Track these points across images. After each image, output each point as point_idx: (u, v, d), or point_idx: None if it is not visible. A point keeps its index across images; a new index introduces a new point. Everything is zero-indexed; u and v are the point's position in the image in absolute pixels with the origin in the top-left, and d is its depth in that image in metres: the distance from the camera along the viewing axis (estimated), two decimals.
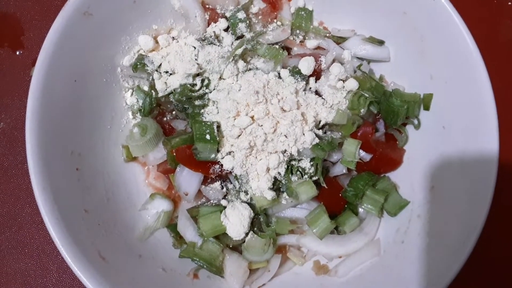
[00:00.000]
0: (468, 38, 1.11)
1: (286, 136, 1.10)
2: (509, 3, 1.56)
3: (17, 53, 1.43)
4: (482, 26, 1.47)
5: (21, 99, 1.36)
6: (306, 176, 1.14)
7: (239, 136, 1.10)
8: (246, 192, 1.14)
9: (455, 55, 1.13)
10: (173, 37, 1.25)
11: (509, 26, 1.55)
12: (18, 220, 1.31)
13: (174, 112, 1.23)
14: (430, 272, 1.05)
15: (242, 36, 1.25)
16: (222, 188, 1.19)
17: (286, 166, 1.14)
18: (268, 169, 1.11)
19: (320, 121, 1.16)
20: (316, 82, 1.20)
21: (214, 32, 1.24)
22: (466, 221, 1.05)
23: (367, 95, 1.17)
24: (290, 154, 1.13)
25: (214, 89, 1.16)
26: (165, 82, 1.19)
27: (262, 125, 1.09)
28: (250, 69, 1.19)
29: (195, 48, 1.19)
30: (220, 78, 1.17)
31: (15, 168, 1.34)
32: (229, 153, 1.11)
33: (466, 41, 1.11)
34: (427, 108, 1.20)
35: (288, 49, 1.30)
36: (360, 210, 1.21)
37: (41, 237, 1.29)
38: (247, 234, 1.13)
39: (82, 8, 1.08)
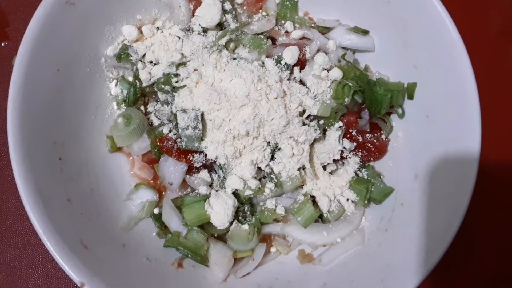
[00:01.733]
0: (451, 27, 1.11)
1: (270, 125, 1.10)
2: None
3: (2, 44, 1.42)
4: (469, 17, 1.47)
5: (6, 90, 1.33)
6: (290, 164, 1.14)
7: (222, 125, 1.09)
8: None
9: (438, 44, 1.14)
10: (158, 27, 1.25)
11: (495, 17, 1.56)
12: (3, 211, 1.30)
13: (158, 102, 1.22)
14: (413, 260, 1.05)
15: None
16: (208, 176, 1.19)
17: (270, 155, 1.14)
18: (251, 159, 1.11)
19: (304, 111, 1.17)
20: (300, 71, 1.20)
21: (199, 23, 1.24)
22: (448, 209, 1.06)
23: (351, 84, 1.17)
24: (275, 143, 1.13)
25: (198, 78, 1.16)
26: (149, 72, 1.18)
27: (246, 114, 1.09)
28: (234, 59, 1.19)
29: (179, 38, 1.19)
30: (204, 67, 1.17)
31: (0, 159, 1.33)
32: (213, 142, 1.11)
33: (449, 30, 1.11)
34: (411, 97, 1.21)
35: (273, 39, 1.30)
36: (344, 199, 1.21)
37: (26, 228, 1.29)
38: (231, 223, 1.13)
39: None
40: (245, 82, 1.10)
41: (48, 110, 1.07)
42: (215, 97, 1.09)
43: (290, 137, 1.13)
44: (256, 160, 1.12)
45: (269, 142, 1.12)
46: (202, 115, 1.11)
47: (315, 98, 1.17)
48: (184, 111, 1.11)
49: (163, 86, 1.15)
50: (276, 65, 1.17)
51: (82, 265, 0.96)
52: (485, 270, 1.34)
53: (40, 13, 1.05)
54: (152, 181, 1.24)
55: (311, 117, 1.18)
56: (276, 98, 1.10)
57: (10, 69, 1.35)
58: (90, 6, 1.13)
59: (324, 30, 1.32)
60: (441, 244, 1.02)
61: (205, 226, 1.14)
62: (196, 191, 1.16)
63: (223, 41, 1.17)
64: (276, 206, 1.17)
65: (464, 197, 1.04)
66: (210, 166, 1.18)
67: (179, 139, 1.11)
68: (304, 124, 1.15)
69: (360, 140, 1.21)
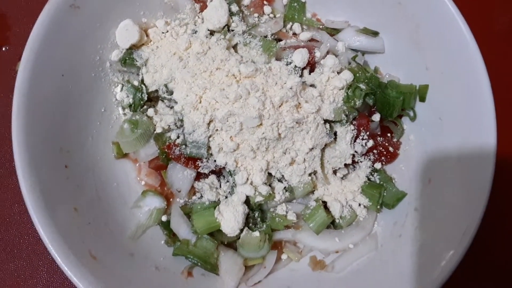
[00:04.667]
0: (464, 28, 1.09)
1: (281, 130, 1.07)
2: None
3: (3, 49, 1.39)
4: (478, 16, 1.45)
5: (8, 95, 1.32)
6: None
7: (232, 131, 1.07)
8: None
9: (450, 45, 1.12)
10: (163, 32, 1.22)
11: (505, 15, 1.53)
12: (6, 219, 1.27)
13: (165, 107, 1.19)
14: (428, 267, 1.03)
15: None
16: (217, 182, 1.16)
17: (281, 161, 1.11)
18: (262, 164, 1.09)
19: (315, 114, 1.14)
20: (310, 74, 1.18)
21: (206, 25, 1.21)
22: (464, 214, 1.03)
23: (362, 87, 1.14)
24: (286, 148, 1.11)
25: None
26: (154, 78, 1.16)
27: (257, 120, 1.06)
28: (242, 62, 1.16)
29: (185, 40, 1.17)
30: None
31: (3, 166, 1.30)
32: (222, 148, 1.08)
33: (462, 31, 1.09)
34: (423, 99, 1.19)
35: (280, 41, 1.27)
36: (356, 204, 1.18)
37: (31, 237, 1.26)
38: (242, 230, 1.10)
39: (68, 1, 1.05)
40: (256, 86, 1.06)
41: (53, 117, 1.04)
42: (224, 101, 1.06)
43: (302, 141, 1.11)
44: (267, 166, 1.10)
45: (280, 147, 1.10)
46: (211, 121, 1.08)
47: (326, 101, 1.14)
48: (190, 118, 1.08)
49: (166, 95, 1.13)
50: (285, 68, 1.14)
51: (91, 275, 0.94)
52: (501, 272, 1.32)
53: (44, 17, 1.02)
54: (159, 188, 1.21)
55: (322, 121, 1.15)
56: (287, 102, 1.08)
57: (12, 74, 1.35)
58: (95, 9, 1.11)
59: (333, 32, 1.30)
60: (457, 251, 1.00)
61: (215, 233, 1.12)
62: (205, 197, 1.14)
63: (231, 43, 1.15)
64: (287, 212, 1.15)
65: (480, 201, 1.02)
66: (219, 172, 1.16)
67: (183, 146, 1.09)
68: (315, 127, 1.12)
69: (372, 144, 1.19)
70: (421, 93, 1.18)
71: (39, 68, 1.01)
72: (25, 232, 1.27)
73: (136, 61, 1.17)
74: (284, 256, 1.18)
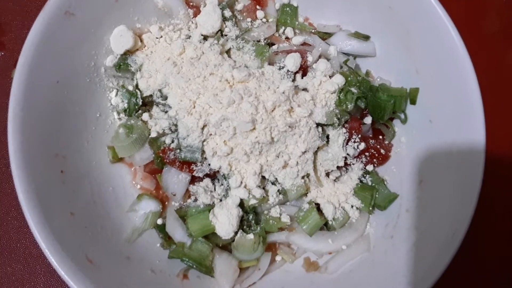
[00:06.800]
0: (453, 31, 1.11)
1: (274, 134, 1.09)
2: None
3: None
4: (468, 19, 1.48)
5: (3, 101, 1.30)
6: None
7: (226, 135, 1.08)
8: None
9: (440, 49, 1.13)
10: (157, 37, 1.23)
11: (494, 19, 1.55)
12: (4, 224, 1.29)
13: (160, 111, 1.21)
14: (419, 267, 1.05)
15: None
16: (212, 186, 1.18)
17: (274, 164, 1.13)
18: (256, 168, 1.10)
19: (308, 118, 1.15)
20: (302, 78, 1.20)
21: (199, 30, 1.23)
22: (454, 215, 1.05)
23: (354, 91, 1.16)
24: (279, 151, 1.12)
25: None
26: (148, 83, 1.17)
27: (250, 124, 1.07)
28: (235, 67, 1.17)
29: (179, 46, 1.18)
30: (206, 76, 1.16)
31: (0, 171, 1.32)
32: (216, 152, 1.10)
33: (452, 35, 1.11)
34: (413, 102, 1.21)
35: (273, 45, 1.29)
36: (349, 206, 1.20)
37: (28, 241, 1.27)
38: (236, 233, 1.12)
39: (63, 8, 1.06)
40: (249, 91, 1.08)
41: (49, 123, 1.05)
42: (218, 106, 1.08)
43: (294, 144, 1.12)
44: (261, 169, 1.11)
45: (273, 151, 1.11)
46: (205, 125, 1.09)
47: (318, 105, 1.16)
48: (184, 123, 1.10)
49: (160, 101, 1.14)
50: (278, 72, 1.15)
51: (87, 279, 0.95)
52: (490, 273, 1.34)
53: (38, 24, 1.03)
54: (154, 191, 1.22)
55: (315, 125, 1.16)
56: (279, 106, 1.09)
57: (7, 80, 1.35)
58: (90, 15, 1.12)
59: (325, 36, 1.31)
60: (447, 252, 1.01)
61: (210, 236, 1.13)
62: (200, 200, 1.15)
63: (225, 48, 1.16)
64: (280, 215, 1.16)
65: (470, 202, 1.03)
66: (213, 175, 1.17)
67: (177, 150, 1.10)
68: (308, 131, 1.14)
69: (364, 146, 1.21)
70: (412, 96, 1.20)
71: (34, 75, 1.02)
72: (22, 236, 1.28)
73: (131, 66, 1.18)
74: (278, 258, 1.20)
